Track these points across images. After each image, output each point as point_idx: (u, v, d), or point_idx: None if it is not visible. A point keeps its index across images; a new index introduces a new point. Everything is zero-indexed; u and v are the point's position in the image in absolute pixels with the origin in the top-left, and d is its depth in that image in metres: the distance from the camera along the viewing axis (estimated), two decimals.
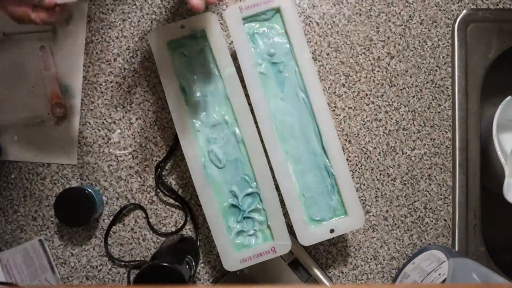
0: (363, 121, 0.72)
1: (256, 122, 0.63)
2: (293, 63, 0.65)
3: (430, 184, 0.72)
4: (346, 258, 0.71)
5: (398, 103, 0.73)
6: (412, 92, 0.73)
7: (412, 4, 0.74)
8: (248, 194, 0.64)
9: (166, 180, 0.71)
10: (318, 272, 0.69)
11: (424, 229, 0.72)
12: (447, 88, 0.73)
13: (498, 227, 0.84)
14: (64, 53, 0.70)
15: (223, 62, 0.64)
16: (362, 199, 0.72)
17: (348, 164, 0.71)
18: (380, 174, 0.72)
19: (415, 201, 0.72)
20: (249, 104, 0.63)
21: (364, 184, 0.72)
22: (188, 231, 0.71)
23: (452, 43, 0.74)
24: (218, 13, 0.71)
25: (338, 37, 0.73)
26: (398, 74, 0.73)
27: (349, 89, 0.73)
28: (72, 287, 0.70)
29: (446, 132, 0.73)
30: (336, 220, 0.64)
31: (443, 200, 0.72)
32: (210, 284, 0.71)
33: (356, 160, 0.72)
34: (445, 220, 0.72)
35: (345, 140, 0.72)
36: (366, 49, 0.73)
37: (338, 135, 0.67)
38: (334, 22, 0.73)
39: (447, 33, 0.74)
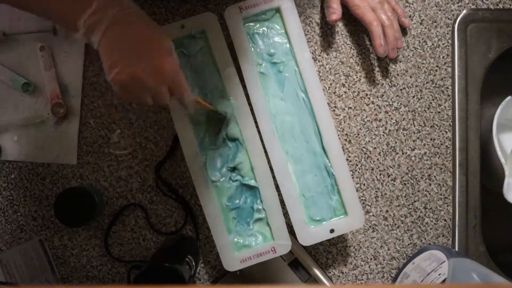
0: (363, 121, 0.72)
1: (256, 122, 0.63)
2: (293, 63, 0.65)
3: (430, 184, 0.72)
4: (346, 258, 0.71)
5: (398, 103, 0.73)
6: (412, 92, 0.73)
7: (412, 4, 0.74)
8: (248, 194, 0.64)
9: (166, 180, 0.71)
10: (318, 272, 0.69)
11: (424, 229, 0.72)
12: (447, 88, 0.73)
13: (498, 227, 0.84)
14: (64, 53, 0.70)
15: (223, 62, 0.64)
16: (362, 199, 0.72)
17: (348, 164, 0.71)
18: (380, 174, 0.72)
19: (415, 201, 0.72)
20: (249, 104, 0.63)
21: (364, 184, 0.72)
22: (188, 231, 0.71)
23: (452, 43, 0.74)
24: (218, 13, 0.71)
25: (338, 37, 0.73)
26: (398, 74, 0.73)
27: (349, 89, 0.73)
28: (72, 287, 0.70)
29: (446, 132, 0.73)
30: (336, 220, 0.64)
31: (443, 200, 0.72)
32: (210, 284, 0.71)
33: (356, 160, 0.72)
34: (445, 220, 0.72)
35: (345, 140, 0.72)
36: (366, 49, 0.73)
37: (338, 135, 0.67)
38: None
39: (447, 33, 0.74)
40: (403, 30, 0.73)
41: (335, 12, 0.68)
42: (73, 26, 0.50)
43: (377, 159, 0.72)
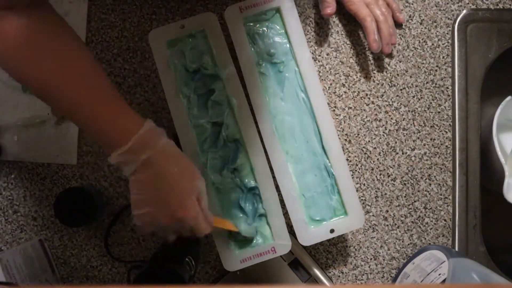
0: (363, 121, 0.72)
1: (256, 122, 0.63)
2: (293, 63, 0.65)
3: (430, 184, 0.72)
4: (346, 258, 0.72)
5: (398, 103, 0.73)
6: (412, 92, 0.73)
7: (412, 4, 0.74)
8: (248, 194, 0.64)
9: None
10: (318, 272, 0.69)
11: (424, 229, 0.72)
12: (447, 88, 0.73)
13: (498, 227, 0.84)
14: None
15: (223, 62, 0.64)
16: (362, 199, 0.72)
17: (348, 164, 0.71)
18: (380, 174, 0.72)
19: (415, 201, 0.72)
20: (249, 104, 0.63)
21: (364, 184, 0.72)
22: None
23: (452, 43, 0.74)
24: (218, 13, 0.71)
25: (338, 37, 0.73)
26: (398, 74, 0.73)
27: (349, 89, 0.73)
28: (72, 287, 0.70)
29: (446, 132, 0.73)
30: (336, 220, 0.64)
31: (443, 200, 0.72)
32: (210, 284, 0.71)
33: (356, 160, 0.72)
34: (445, 220, 0.72)
35: (345, 140, 0.72)
36: (366, 49, 0.73)
37: (338, 135, 0.67)
38: (334, 22, 0.73)
39: (447, 33, 0.74)
40: (399, 24, 0.73)
41: (329, 6, 0.68)
42: (108, 150, 0.51)
43: (377, 159, 0.72)
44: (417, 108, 0.73)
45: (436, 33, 0.74)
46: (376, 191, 0.72)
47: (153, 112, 0.71)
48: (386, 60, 0.73)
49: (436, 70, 0.73)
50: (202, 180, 0.55)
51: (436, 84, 0.73)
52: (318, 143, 0.65)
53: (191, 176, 0.54)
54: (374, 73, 0.73)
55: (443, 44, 0.74)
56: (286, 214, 0.64)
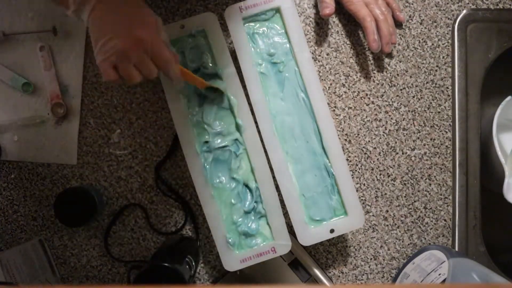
0: (363, 121, 0.72)
1: (256, 122, 0.63)
2: (293, 63, 0.65)
3: (430, 184, 0.72)
4: (346, 258, 0.72)
5: (398, 103, 0.73)
6: (412, 92, 0.73)
7: (412, 4, 0.74)
8: (249, 194, 0.64)
9: (166, 180, 0.71)
10: (318, 272, 0.69)
11: (424, 229, 0.72)
12: (447, 88, 0.73)
13: (498, 227, 0.84)
14: (64, 53, 0.70)
15: (223, 62, 0.64)
16: (362, 199, 0.72)
17: (348, 164, 0.71)
18: (380, 174, 0.72)
19: (415, 201, 0.72)
20: (249, 104, 0.64)
21: (364, 184, 0.72)
22: (188, 231, 0.71)
23: (452, 43, 0.74)
24: (218, 13, 0.71)
25: (338, 37, 0.73)
26: (398, 74, 0.73)
27: (349, 89, 0.73)
28: (72, 287, 0.70)
29: (446, 132, 0.73)
30: (336, 220, 0.64)
31: (443, 200, 0.72)
32: (210, 284, 0.71)
33: (356, 160, 0.72)
34: (445, 220, 0.72)
35: (345, 140, 0.72)
36: (366, 49, 0.73)
37: (338, 135, 0.67)
38: (334, 22, 0.73)
39: (447, 33, 0.74)
40: (399, 24, 0.73)
41: (328, 6, 0.68)
42: (64, 2, 0.52)
43: (377, 159, 0.72)
44: (417, 108, 0.73)
45: (436, 33, 0.74)
46: (376, 191, 0.72)
47: (153, 112, 0.71)
48: (386, 60, 0.73)
49: (436, 70, 0.73)
50: (155, 15, 0.55)
51: (436, 84, 0.73)
52: (318, 143, 0.65)
53: (146, 8, 0.54)
54: (374, 73, 0.73)
55: (443, 44, 0.74)
56: (286, 214, 0.64)
